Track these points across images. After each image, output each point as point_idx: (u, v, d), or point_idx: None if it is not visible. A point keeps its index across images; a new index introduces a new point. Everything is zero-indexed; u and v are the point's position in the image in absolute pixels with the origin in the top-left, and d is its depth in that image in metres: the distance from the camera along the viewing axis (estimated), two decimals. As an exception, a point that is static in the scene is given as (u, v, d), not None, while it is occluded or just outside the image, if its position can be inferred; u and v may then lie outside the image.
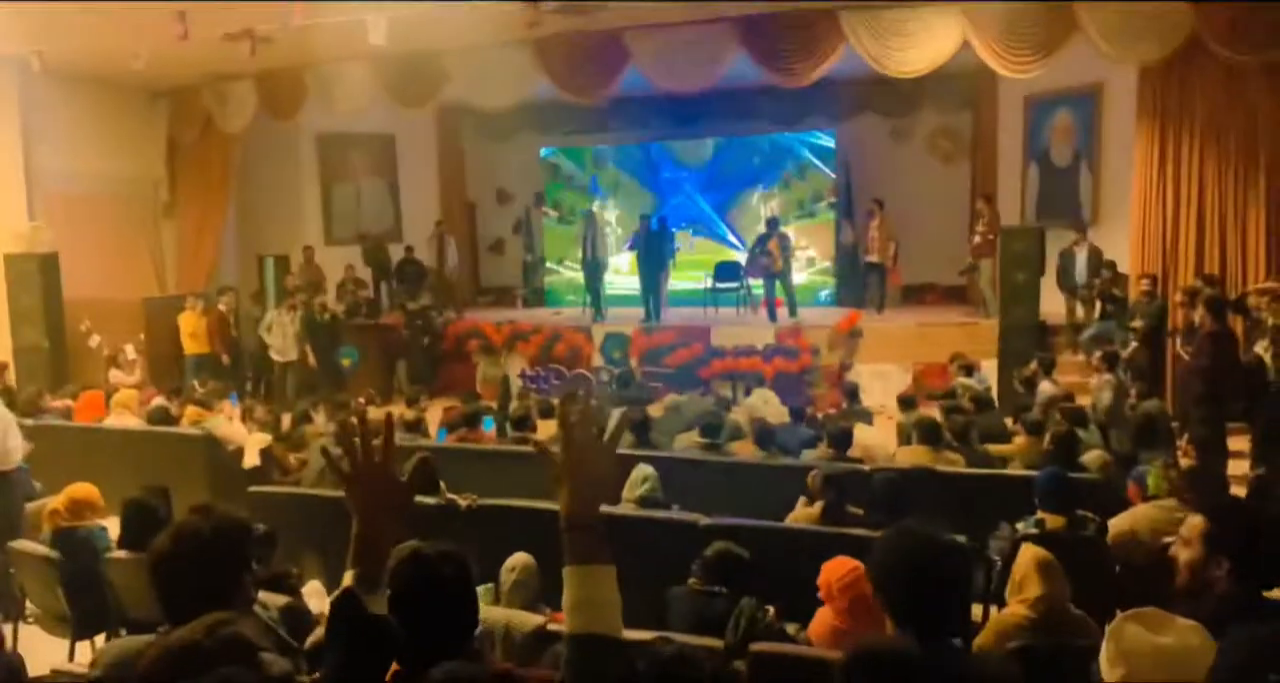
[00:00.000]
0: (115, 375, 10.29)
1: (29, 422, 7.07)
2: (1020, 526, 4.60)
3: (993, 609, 4.26)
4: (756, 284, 12.12)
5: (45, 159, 10.82)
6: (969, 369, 8.56)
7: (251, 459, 7.11)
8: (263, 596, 3.46)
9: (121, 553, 4.43)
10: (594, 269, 12.46)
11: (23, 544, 4.75)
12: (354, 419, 2.16)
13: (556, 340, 11.92)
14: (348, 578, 1.62)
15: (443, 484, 5.16)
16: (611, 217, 14.37)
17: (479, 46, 10.09)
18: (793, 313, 11.53)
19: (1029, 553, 3.44)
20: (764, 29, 9.46)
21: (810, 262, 13.40)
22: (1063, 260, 9.85)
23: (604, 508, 1.60)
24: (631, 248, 12.68)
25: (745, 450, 6.56)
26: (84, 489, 4.81)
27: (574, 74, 10.27)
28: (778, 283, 11.59)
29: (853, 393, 8.66)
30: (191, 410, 8.01)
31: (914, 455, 5.92)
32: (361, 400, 9.66)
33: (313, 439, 7.20)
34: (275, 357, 11.43)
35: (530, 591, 3.81)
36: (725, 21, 9.48)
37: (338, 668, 1.60)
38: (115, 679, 1.98)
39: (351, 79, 10.82)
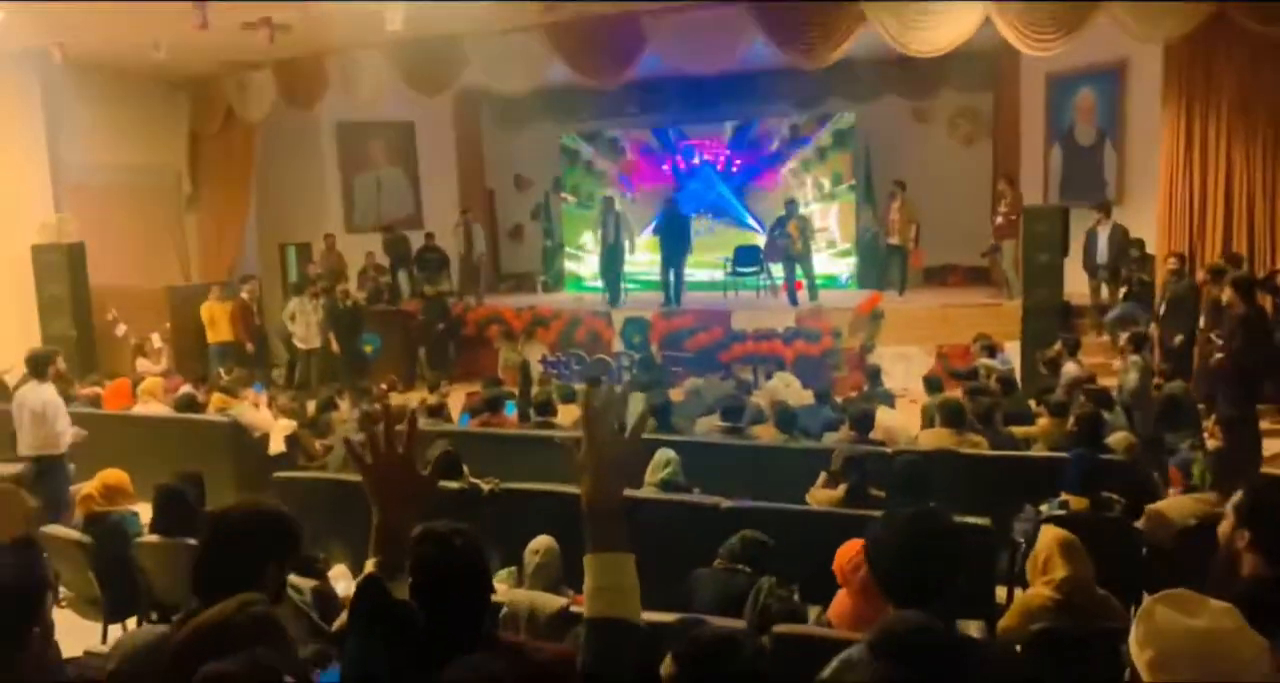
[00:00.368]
0: (142, 364, 10.43)
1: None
2: (1044, 507, 4.58)
3: (1017, 591, 4.25)
4: (777, 269, 12.07)
5: (68, 151, 10.92)
6: (992, 350, 8.51)
7: (277, 445, 7.21)
8: (294, 579, 3.51)
9: (153, 538, 4.51)
10: (613, 254, 12.45)
11: (55, 529, 4.84)
12: (377, 406, 2.18)
13: (577, 325, 11.95)
14: (369, 566, 1.64)
15: (465, 469, 5.20)
16: (630, 202, 14.33)
17: (495, 32, 10.05)
18: (813, 296, 11.47)
19: (1050, 534, 3.42)
20: (782, 9, 9.34)
21: (831, 244, 13.31)
22: (1087, 240, 9.74)
23: (626, 492, 1.62)
24: (655, 232, 12.64)
25: (767, 434, 6.56)
26: (116, 475, 4.89)
27: (590, 58, 10.21)
28: (798, 266, 11.54)
29: (874, 375, 8.64)
30: (217, 398, 8.11)
31: (937, 438, 5.88)
32: (384, 387, 9.76)
33: (338, 425, 7.28)
34: (299, 344, 11.54)
35: (553, 573, 3.84)
36: (743, 2, 9.38)
37: (361, 652, 1.62)
38: (130, 673, 2.00)
39: (369, 66, 10.83)
